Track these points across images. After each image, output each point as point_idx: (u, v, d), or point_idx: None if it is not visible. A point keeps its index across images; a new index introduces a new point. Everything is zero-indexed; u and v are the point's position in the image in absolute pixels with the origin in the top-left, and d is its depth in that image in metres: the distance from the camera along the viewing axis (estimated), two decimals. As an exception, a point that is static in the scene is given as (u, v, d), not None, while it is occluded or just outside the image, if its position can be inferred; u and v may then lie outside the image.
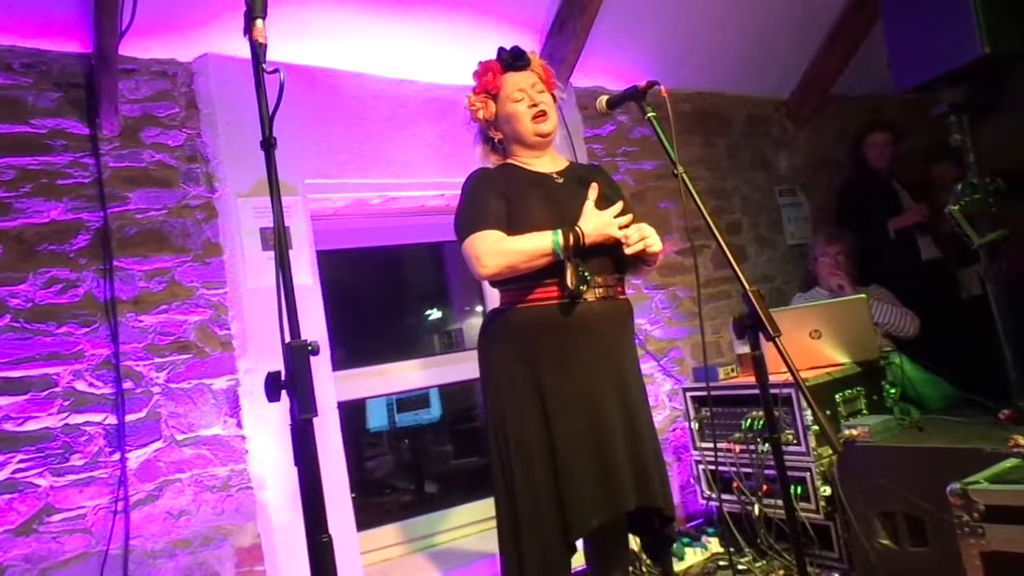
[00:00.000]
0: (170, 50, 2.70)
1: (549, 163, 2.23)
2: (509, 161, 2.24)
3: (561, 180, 2.18)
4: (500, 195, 2.11)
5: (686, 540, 3.20)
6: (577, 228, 2.02)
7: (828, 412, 2.87)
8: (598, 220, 2.05)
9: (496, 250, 2.02)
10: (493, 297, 3.47)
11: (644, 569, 2.91)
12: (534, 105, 2.18)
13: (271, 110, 1.50)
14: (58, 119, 2.48)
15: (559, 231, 2.00)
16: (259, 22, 1.53)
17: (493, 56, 2.26)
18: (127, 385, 2.45)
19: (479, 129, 2.29)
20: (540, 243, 2.00)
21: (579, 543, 2.11)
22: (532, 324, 2.06)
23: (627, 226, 2.08)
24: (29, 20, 2.40)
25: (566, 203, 2.09)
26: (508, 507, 2.06)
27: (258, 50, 1.52)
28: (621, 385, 2.06)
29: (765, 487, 2.94)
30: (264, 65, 1.51)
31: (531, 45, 3.38)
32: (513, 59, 2.23)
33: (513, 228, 2.06)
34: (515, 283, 2.10)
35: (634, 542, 2.42)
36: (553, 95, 2.25)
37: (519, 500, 2.02)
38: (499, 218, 2.07)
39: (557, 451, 2.00)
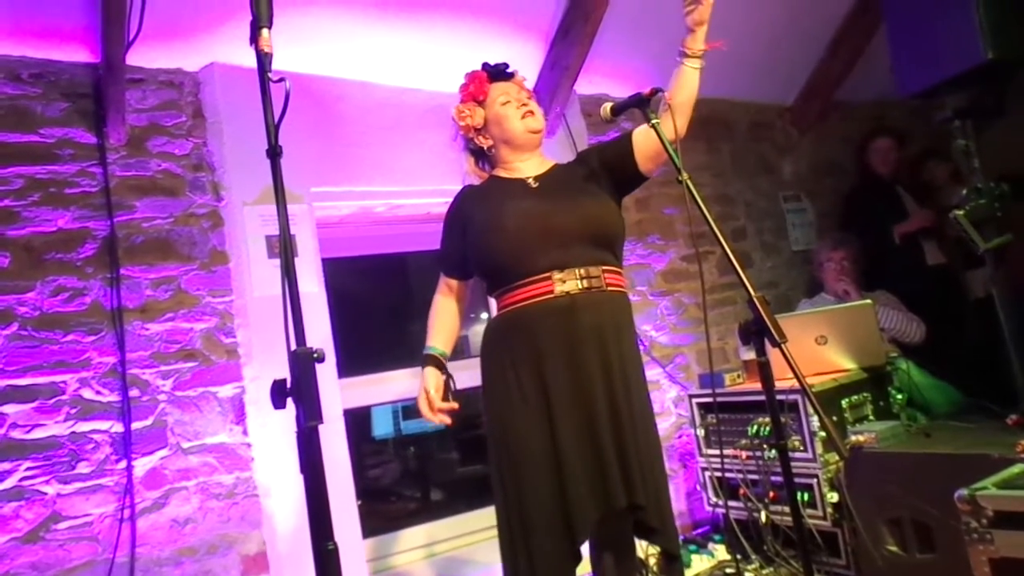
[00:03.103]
0: (177, 60, 2.71)
1: (535, 166, 2.24)
2: (493, 174, 2.27)
3: (536, 185, 2.18)
4: (464, 224, 2.19)
5: (693, 547, 3.19)
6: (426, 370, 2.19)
7: (835, 418, 2.86)
8: (420, 398, 2.17)
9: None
10: (495, 305, 3.48)
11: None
12: (523, 105, 2.21)
13: (277, 119, 1.51)
14: (66, 128, 2.50)
15: (429, 349, 2.23)
16: (265, 32, 1.53)
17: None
18: (133, 393, 2.46)
19: (465, 142, 2.31)
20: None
21: (584, 551, 2.10)
22: (517, 324, 2.07)
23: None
24: (38, 31, 2.42)
25: (538, 209, 2.10)
26: (507, 515, 2.06)
27: (264, 59, 1.53)
28: (608, 378, 2.03)
29: (772, 494, 2.93)
30: (270, 74, 1.52)
31: (535, 52, 3.41)
32: (498, 70, 2.28)
33: (486, 239, 2.11)
34: (498, 288, 2.13)
35: (644, 551, 2.41)
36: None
37: (519, 507, 2.01)
38: (452, 262, 2.27)
39: (557, 453, 1.99)
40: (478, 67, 2.30)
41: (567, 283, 2.03)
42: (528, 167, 2.23)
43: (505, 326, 2.11)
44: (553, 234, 2.06)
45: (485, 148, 2.26)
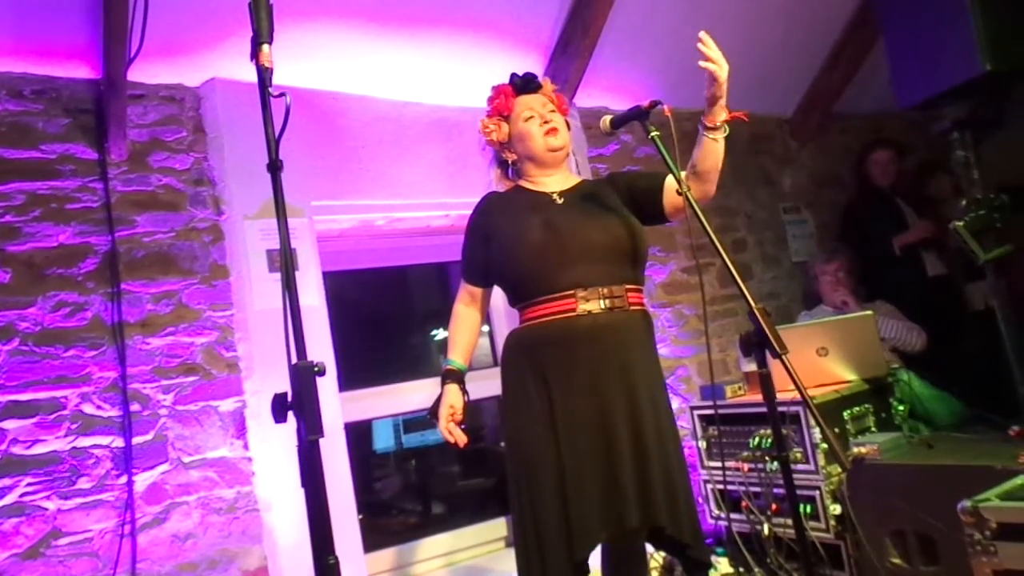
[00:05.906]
0: (178, 75, 2.73)
1: (560, 181, 2.24)
2: (519, 184, 2.27)
3: (561, 200, 2.18)
4: (488, 233, 2.17)
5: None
6: (448, 386, 2.17)
7: (836, 430, 2.85)
8: (442, 413, 2.14)
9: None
10: (498, 317, 3.48)
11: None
12: (546, 122, 2.20)
13: (277, 133, 1.52)
14: (67, 144, 2.51)
15: (450, 363, 2.21)
16: (266, 47, 1.55)
17: (500, 79, 2.29)
18: (134, 408, 2.46)
19: (493, 153, 2.31)
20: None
21: (595, 563, 2.09)
22: (538, 340, 2.07)
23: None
24: (39, 48, 2.44)
25: (563, 224, 2.09)
26: (520, 526, 2.06)
27: (264, 74, 1.54)
28: (630, 399, 2.03)
29: (774, 506, 2.92)
30: (270, 89, 1.53)
31: (535, 66, 3.42)
32: (525, 82, 2.27)
33: (510, 252, 2.11)
34: (521, 302, 2.12)
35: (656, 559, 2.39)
36: (567, 122, 2.27)
37: (529, 519, 2.01)
38: (475, 270, 2.24)
39: (565, 468, 1.99)
40: (489, 81, 2.29)
41: (590, 302, 2.03)
42: (553, 182, 2.23)
43: (526, 341, 2.11)
44: (578, 251, 2.05)
45: (510, 163, 2.27)
